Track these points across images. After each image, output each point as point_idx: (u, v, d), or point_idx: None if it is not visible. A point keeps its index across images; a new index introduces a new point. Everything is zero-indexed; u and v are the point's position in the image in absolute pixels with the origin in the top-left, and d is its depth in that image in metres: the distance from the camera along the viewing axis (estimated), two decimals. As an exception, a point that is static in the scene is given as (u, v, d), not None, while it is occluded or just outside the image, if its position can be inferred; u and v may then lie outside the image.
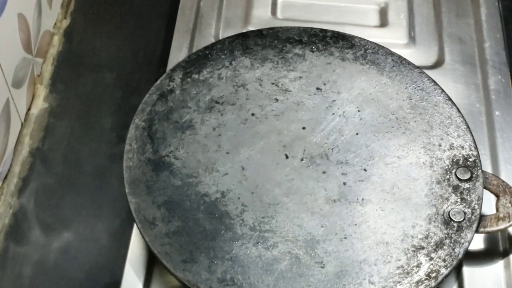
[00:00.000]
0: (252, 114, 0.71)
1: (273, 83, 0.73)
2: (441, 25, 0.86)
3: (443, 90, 0.73)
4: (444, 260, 0.62)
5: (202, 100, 0.72)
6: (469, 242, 0.63)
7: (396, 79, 0.74)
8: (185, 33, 0.83)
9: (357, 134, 0.70)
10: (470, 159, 0.68)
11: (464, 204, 0.65)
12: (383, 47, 0.76)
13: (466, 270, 0.68)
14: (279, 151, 0.69)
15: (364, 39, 0.76)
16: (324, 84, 0.73)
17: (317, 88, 0.73)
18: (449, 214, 0.65)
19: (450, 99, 0.72)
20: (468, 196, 0.66)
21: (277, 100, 0.72)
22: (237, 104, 0.72)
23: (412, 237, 0.64)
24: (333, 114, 0.71)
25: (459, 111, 0.71)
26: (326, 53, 0.76)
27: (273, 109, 0.72)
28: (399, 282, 0.61)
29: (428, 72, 0.74)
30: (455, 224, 0.64)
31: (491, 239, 0.70)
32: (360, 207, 0.65)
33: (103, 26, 0.87)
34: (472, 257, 0.68)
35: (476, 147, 0.69)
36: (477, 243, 0.69)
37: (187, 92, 0.72)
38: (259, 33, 0.77)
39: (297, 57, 0.75)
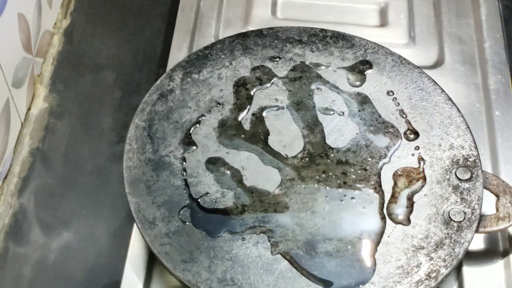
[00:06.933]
0: (252, 114, 0.71)
1: (273, 83, 0.73)
2: (441, 25, 0.86)
3: (443, 90, 0.73)
4: (444, 260, 0.62)
5: (202, 100, 0.72)
6: (469, 242, 0.63)
7: (396, 79, 0.74)
8: (185, 33, 0.83)
9: (357, 134, 0.70)
10: (470, 159, 0.68)
11: (464, 204, 0.65)
12: (383, 47, 0.76)
13: (466, 270, 0.68)
14: (279, 151, 0.69)
15: (364, 39, 0.76)
16: (324, 84, 0.73)
17: (317, 88, 0.73)
18: (449, 214, 0.65)
19: (450, 99, 0.72)
20: (468, 196, 0.66)
21: (277, 100, 0.72)
22: (237, 104, 0.72)
23: (412, 237, 0.64)
24: (333, 114, 0.71)
25: (459, 111, 0.71)
26: (326, 53, 0.76)
27: (273, 109, 0.72)
28: (399, 282, 0.61)
29: (428, 72, 0.74)
30: (455, 224, 0.64)
31: (491, 239, 0.70)
32: (360, 207, 0.65)
33: (103, 26, 0.87)
34: (472, 257, 0.68)
35: (476, 147, 0.69)
36: (477, 243, 0.69)
37: (187, 92, 0.72)
38: (259, 33, 0.77)
39: (297, 57, 0.75)
